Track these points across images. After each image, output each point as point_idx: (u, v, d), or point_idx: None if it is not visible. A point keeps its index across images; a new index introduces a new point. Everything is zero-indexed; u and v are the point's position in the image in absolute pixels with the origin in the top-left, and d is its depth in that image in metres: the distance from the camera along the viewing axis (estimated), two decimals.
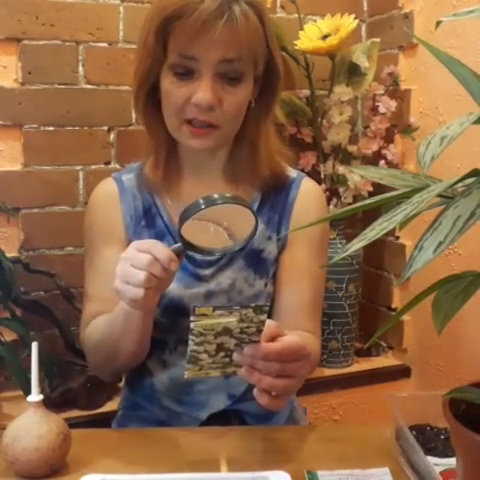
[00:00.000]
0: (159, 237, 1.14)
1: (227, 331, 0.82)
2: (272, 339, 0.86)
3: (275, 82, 1.13)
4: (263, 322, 0.82)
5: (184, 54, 1.04)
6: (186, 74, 1.05)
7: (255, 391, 0.86)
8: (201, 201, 0.90)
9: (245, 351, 0.84)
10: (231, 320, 0.81)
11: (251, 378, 0.85)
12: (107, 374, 1.21)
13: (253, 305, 0.81)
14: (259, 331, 0.83)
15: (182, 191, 1.17)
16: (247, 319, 0.82)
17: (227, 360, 0.86)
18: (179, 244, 0.94)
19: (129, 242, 1.14)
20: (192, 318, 0.81)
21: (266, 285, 1.15)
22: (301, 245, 1.16)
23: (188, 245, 0.94)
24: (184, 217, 0.91)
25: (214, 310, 0.80)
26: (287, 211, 1.17)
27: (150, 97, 1.11)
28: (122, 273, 0.92)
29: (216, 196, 0.90)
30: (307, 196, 1.18)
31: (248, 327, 0.82)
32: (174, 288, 1.10)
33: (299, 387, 0.91)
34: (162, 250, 0.91)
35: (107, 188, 1.19)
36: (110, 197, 1.17)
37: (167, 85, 1.07)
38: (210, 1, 1.00)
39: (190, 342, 0.83)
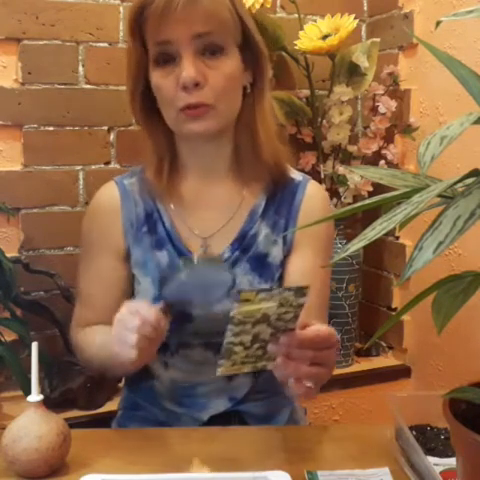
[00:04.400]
0: (160, 244, 1.14)
1: (265, 318, 0.81)
2: (302, 328, 0.87)
3: (258, 55, 1.12)
4: (301, 306, 0.82)
5: (158, 40, 1.06)
6: (168, 61, 1.06)
7: (290, 382, 0.86)
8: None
9: (281, 340, 0.84)
10: (271, 305, 0.81)
11: (287, 368, 0.85)
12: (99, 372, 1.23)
13: (294, 287, 0.81)
14: (296, 317, 0.83)
15: (186, 195, 1.16)
16: (286, 303, 0.81)
17: (260, 353, 0.85)
18: (165, 302, 0.97)
19: (127, 248, 1.15)
20: (235, 305, 0.79)
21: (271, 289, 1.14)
22: (307, 250, 1.15)
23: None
24: None
25: (257, 294, 0.79)
26: (293, 215, 1.16)
27: (146, 100, 1.12)
28: (117, 335, 0.94)
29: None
30: (313, 200, 1.17)
31: (286, 312, 0.82)
32: (176, 293, 1.10)
33: (329, 376, 0.93)
34: (150, 312, 0.93)
35: (109, 192, 1.18)
36: (111, 202, 1.17)
37: (155, 80, 1.08)
38: None
39: (228, 333, 0.82)
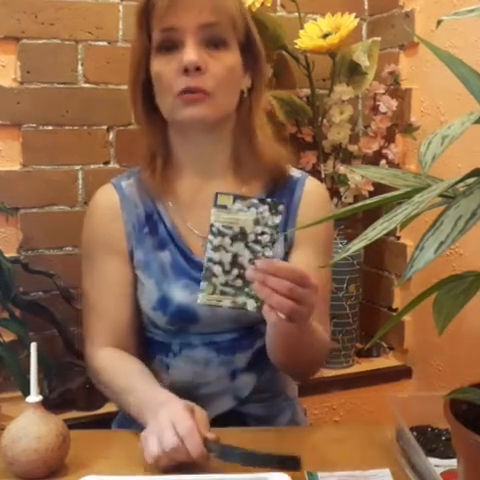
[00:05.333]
0: (162, 244, 1.13)
1: (243, 235, 0.86)
2: None
3: (257, 57, 1.14)
4: (277, 227, 0.86)
5: (164, 27, 1.07)
6: (171, 49, 1.07)
7: (264, 308, 0.88)
8: None
9: (258, 264, 0.86)
10: (248, 218, 0.86)
11: (262, 292, 0.86)
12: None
13: (269, 200, 0.86)
14: (272, 242, 0.87)
15: (182, 194, 1.16)
16: (262, 220, 0.86)
17: (240, 284, 0.88)
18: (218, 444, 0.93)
19: (131, 250, 1.14)
20: (213, 210, 0.86)
21: None
22: (306, 247, 1.15)
23: None
24: None
25: (234, 200, 0.86)
26: (293, 212, 1.16)
27: (145, 92, 1.12)
28: (147, 439, 0.92)
29: None
30: (312, 196, 1.17)
31: (262, 233, 0.86)
32: (181, 296, 1.10)
33: (307, 318, 0.93)
34: (196, 445, 0.89)
35: (107, 196, 1.17)
36: (111, 206, 1.16)
37: (156, 67, 1.09)
38: None
39: (208, 245, 0.88)
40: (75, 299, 1.49)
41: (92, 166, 1.60)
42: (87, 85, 1.58)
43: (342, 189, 1.72)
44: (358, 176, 1.69)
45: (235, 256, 0.88)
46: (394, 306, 1.84)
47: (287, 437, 1.04)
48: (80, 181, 1.59)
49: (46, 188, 1.56)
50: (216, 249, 0.88)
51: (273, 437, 1.04)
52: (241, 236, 0.87)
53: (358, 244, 0.56)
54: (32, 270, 1.49)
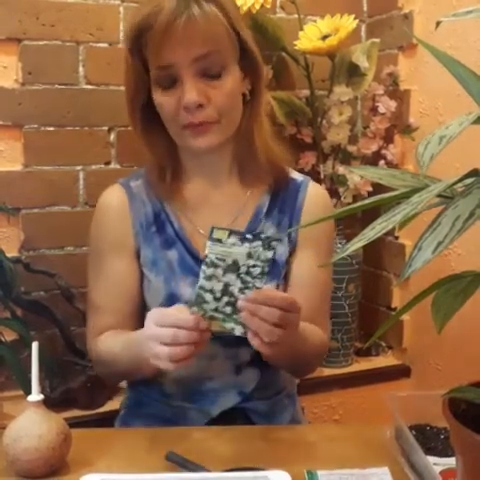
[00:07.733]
0: (169, 243, 1.15)
1: (235, 267, 0.89)
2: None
3: (255, 65, 1.13)
4: (268, 262, 0.89)
5: (160, 65, 1.06)
6: (171, 84, 1.07)
7: (249, 335, 0.91)
8: None
9: (249, 296, 0.90)
10: (241, 251, 0.89)
11: (251, 323, 0.90)
12: (115, 382, 1.22)
13: (263, 236, 0.89)
14: (263, 273, 0.89)
15: (190, 197, 1.17)
16: (255, 254, 0.89)
17: (229, 311, 0.91)
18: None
19: (138, 249, 1.15)
20: (208, 243, 0.89)
21: (278, 287, 1.14)
22: (309, 250, 1.17)
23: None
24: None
25: (229, 235, 0.89)
26: (296, 214, 1.18)
27: (146, 112, 1.12)
28: (151, 351, 0.93)
29: None
30: (314, 199, 1.19)
31: (254, 266, 0.89)
32: (188, 293, 1.11)
33: (292, 339, 0.96)
34: (186, 319, 0.91)
35: (116, 195, 1.18)
36: (119, 204, 1.17)
37: (158, 98, 1.09)
38: (167, 8, 1.02)
39: (201, 275, 0.90)
40: (76, 298, 1.50)
41: (93, 167, 1.60)
42: (88, 86, 1.58)
43: (341, 189, 1.73)
44: (357, 176, 1.70)
45: (226, 285, 0.91)
46: (393, 305, 1.85)
47: (287, 436, 1.05)
48: (81, 181, 1.59)
49: (47, 188, 1.57)
50: (209, 278, 0.90)
51: (273, 436, 1.04)
52: (233, 267, 0.90)
53: (357, 244, 0.56)
54: (33, 270, 1.49)
